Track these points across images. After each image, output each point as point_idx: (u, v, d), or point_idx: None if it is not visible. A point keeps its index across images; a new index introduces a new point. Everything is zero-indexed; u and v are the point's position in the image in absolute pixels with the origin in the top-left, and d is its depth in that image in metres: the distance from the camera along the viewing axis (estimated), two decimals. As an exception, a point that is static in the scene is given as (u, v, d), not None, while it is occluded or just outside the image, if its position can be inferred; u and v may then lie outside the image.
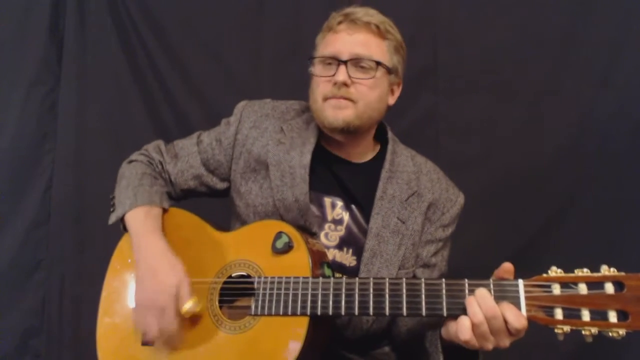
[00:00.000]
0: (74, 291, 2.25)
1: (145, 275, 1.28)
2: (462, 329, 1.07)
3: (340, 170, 1.45)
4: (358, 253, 1.39)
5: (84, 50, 2.32)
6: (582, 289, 1.04)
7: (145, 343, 1.31)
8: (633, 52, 2.03)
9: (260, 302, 1.25)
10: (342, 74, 1.35)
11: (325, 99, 1.38)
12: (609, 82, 2.04)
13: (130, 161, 1.53)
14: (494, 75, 2.12)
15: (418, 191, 1.43)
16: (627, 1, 2.03)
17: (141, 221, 1.37)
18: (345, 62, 1.36)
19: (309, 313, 1.20)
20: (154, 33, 2.29)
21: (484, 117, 2.13)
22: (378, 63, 1.38)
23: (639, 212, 2.01)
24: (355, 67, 1.37)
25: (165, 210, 1.44)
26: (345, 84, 1.35)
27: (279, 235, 1.28)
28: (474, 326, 1.06)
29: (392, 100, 1.47)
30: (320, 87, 1.39)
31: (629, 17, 2.03)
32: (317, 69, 1.41)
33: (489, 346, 1.08)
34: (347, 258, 1.39)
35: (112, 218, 1.42)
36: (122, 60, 2.30)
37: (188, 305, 1.24)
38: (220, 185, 1.52)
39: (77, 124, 2.31)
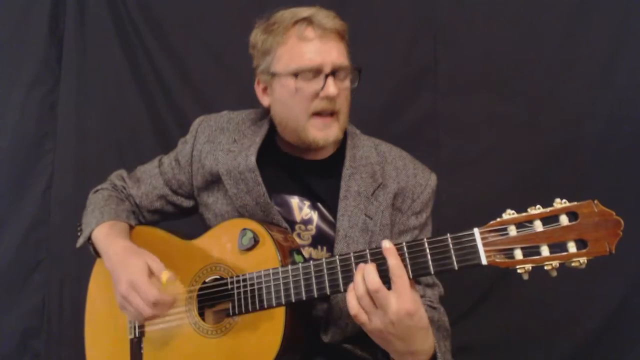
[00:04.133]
0: (74, 291, 2.25)
1: (115, 271, 1.28)
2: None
3: (300, 170, 1.42)
4: (332, 250, 1.37)
5: (84, 50, 2.32)
6: (538, 225, 1.02)
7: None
8: (633, 52, 2.02)
9: (236, 302, 1.26)
10: (333, 87, 1.30)
11: (314, 114, 1.33)
12: (609, 82, 2.04)
13: (96, 191, 1.55)
14: (494, 75, 2.12)
15: (383, 182, 1.39)
16: (627, 1, 2.03)
17: (106, 232, 1.39)
18: (333, 74, 1.31)
19: (284, 302, 1.21)
20: (154, 33, 2.29)
21: (483, 116, 2.12)
22: (359, 70, 1.35)
23: (639, 212, 2.01)
24: (336, 77, 1.32)
25: (131, 228, 1.46)
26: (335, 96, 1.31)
27: (243, 232, 1.28)
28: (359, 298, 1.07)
29: None
30: (305, 103, 1.32)
31: (629, 17, 2.03)
32: (298, 83, 1.32)
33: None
34: (322, 255, 1.38)
35: (80, 240, 1.44)
36: (122, 60, 2.30)
37: (166, 275, 1.23)
38: (187, 203, 1.53)
39: (77, 124, 2.32)
